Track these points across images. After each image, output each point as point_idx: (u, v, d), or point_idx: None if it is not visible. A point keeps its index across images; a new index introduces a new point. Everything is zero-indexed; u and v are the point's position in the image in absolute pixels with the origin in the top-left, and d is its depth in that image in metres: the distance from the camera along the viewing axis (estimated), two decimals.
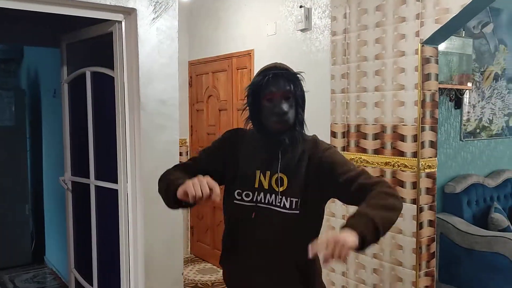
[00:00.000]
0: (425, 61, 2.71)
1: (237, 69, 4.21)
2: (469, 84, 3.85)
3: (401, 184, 2.79)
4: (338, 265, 3.22)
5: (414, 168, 2.73)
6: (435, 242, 2.84)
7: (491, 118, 4.20)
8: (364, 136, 3.02)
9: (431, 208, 2.79)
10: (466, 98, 3.96)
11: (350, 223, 1.26)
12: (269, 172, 1.53)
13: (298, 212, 1.49)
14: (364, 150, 3.02)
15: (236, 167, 1.56)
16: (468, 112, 4.01)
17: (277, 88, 1.48)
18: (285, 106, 1.48)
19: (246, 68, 4.09)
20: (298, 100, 1.53)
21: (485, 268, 3.40)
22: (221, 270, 4.25)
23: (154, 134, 2.56)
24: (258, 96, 1.51)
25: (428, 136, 2.75)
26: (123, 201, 2.68)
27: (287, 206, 1.50)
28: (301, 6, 3.43)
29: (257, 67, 3.91)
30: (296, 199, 1.50)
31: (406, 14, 2.75)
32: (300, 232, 1.51)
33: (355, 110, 3.06)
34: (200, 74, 4.71)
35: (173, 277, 2.74)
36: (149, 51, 2.52)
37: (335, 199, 1.64)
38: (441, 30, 2.62)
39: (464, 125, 3.98)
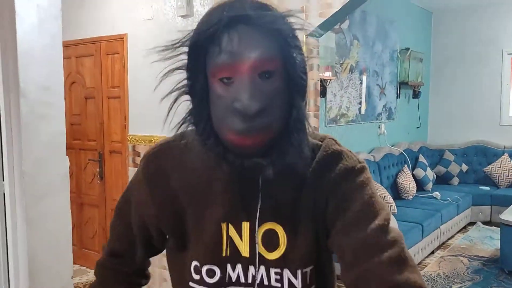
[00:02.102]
0: (309, 52, 2.90)
1: (107, 54, 3.93)
2: (330, 74, 4.24)
3: None
4: None
5: None
6: None
7: (348, 106, 4.69)
8: None
9: None
10: (329, 88, 4.34)
11: None
12: (247, 224, 0.81)
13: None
14: None
15: (178, 220, 0.85)
16: (331, 101, 4.40)
17: (243, 51, 0.70)
18: (259, 95, 0.71)
19: (118, 53, 3.84)
20: (293, 77, 0.75)
21: None
22: (92, 270, 3.99)
23: (36, 125, 2.26)
24: (203, 70, 0.76)
25: (312, 122, 2.96)
26: None
27: (297, 285, 0.80)
28: None
29: (131, 53, 3.71)
30: (311, 267, 0.82)
31: (291, 6, 2.89)
32: None
33: None
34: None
35: (61, 282, 2.48)
36: (29, 30, 2.20)
37: None
38: (323, 24, 2.83)
39: (328, 112, 4.37)
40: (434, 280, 4.09)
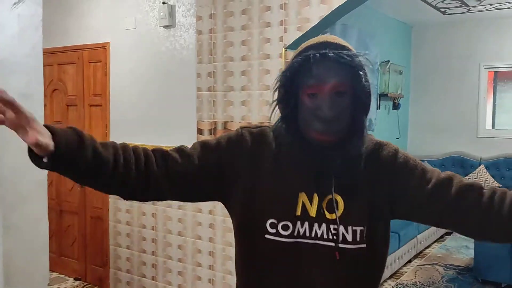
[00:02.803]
0: (287, 64, 2.97)
1: (89, 62, 3.96)
2: None
3: None
4: (205, 258, 3.31)
5: None
6: None
7: None
8: None
9: None
10: None
11: None
12: (317, 194, 1.08)
13: (365, 246, 1.06)
14: None
15: (261, 183, 1.10)
16: None
17: (325, 77, 1.01)
18: (335, 107, 1.01)
19: (100, 61, 3.88)
20: (359, 97, 1.04)
21: None
22: (71, 279, 3.97)
23: (14, 133, 2.27)
24: (295, 88, 1.04)
25: None
26: None
27: (349, 239, 1.05)
28: (164, 2, 3.40)
29: (114, 61, 3.75)
30: (362, 228, 1.06)
31: (271, 20, 2.97)
32: (368, 274, 1.10)
33: (222, 108, 3.18)
34: (43, 65, 4.26)
35: None
36: (9, 39, 2.23)
37: None
38: (302, 37, 2.89)
39: None
40: None
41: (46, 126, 0.93)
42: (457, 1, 5.30)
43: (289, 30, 2.90)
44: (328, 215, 1.06)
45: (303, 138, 1.06)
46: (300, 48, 1.08)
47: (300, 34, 2.86)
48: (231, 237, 3.18)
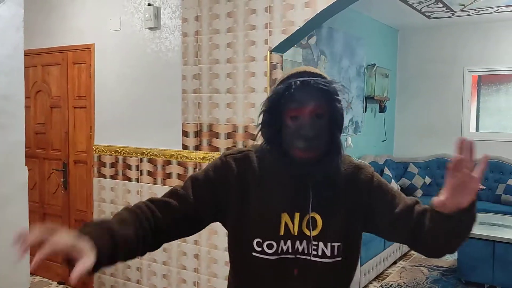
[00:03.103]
0: (273, 67, 2.97)
1: (74, 64, 3.92)
2: None
3: None
4: (190, 261, 3.29)
5: None
6: None
7: None
8: (217, 135, 3.15)
9: None
10: None
11: None
12: (298, 214, 1.19)
13: (340, 259, 1.19)
14: (216, 149, 3.15)
15: (248, 207, 1.21)
16: None
17: (305, 101, 1.13)
18: (315, 127, 1.13)
19: (85, 63, 3.84)
20: (335, 119, 1.17)
21: None
22: (54, 282, 3.93)
23: None
24: (279, 112, 1.16)
25: None
26: None
27: (328, 253, 1.18)
28: (149, 4, 3.38)
29: (99, 62, 3.72)
30: (339, 244, 1.19)
31: (256, 22, 2.97)
32: (342, 281, 1.26)
33: (208, 110, 3.18)
34: (27, 66, 4.17)
35: None
36: None
37: None
38: (287, 40, 2.91)
39: None
40: None
41: (81, 232, 0.99)
42: (442, 6, 5.36)
43: (274, 33, 2.90)
44: (307, 233, 1.19)
45: (286, 157, 1.18)
46: (282, 77, 1.21)
47: (285, 37, 2.87)
48: (216, 239, 3.17)
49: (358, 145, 5.75)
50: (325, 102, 1.14)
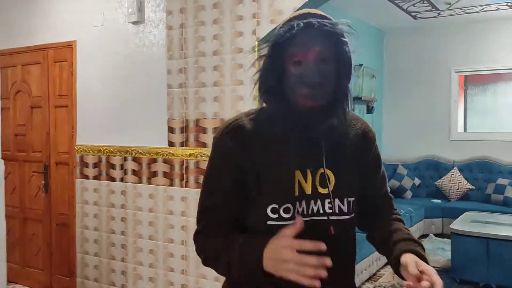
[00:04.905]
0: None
1: (55, 62, 3.79)
2: None
3: None
4: (177, 262, 3.16)
5: None
6: None
7: None
8: (204, 130, 3.04)
9: None
10: None
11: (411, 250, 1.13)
12: (310, 170, 1.10)
13: (354, 215, 1.14)
14: (204, 145, 3.04)
15: (259, 174, 1.10)
16: None
17: (309, 44, 1.02)
18: (320, 73, 1.03)
19: (66, 61, 3.72)
20: (342, 64, 1.07)
21: None
22: None
23: None
24: (280, 57, 1.05)
25: None
26: None
27: (345, 210, 1.11)
28: None
29: (81, 60, 3.60)
30: (353, 198, 1.13)
31: (243, 12, 2.88)
32: (353, 242, 1.20)
33: (194, 105, 3.07)
34: (6, 67, 4.08)
35: None
36: None
37: None
38: (274, 30, 2.82)
39: None
40: None
41: None
42: (428, 5, 5.36)
43: (262, 23, 2.82)
44: (321, 190, 1.10)
45: (289, 106, 1.08)
46: (283, 21, 1.10)
47: (273, 27, 2.78)
48: None
49: None
50: (331, 45, 1.05)
